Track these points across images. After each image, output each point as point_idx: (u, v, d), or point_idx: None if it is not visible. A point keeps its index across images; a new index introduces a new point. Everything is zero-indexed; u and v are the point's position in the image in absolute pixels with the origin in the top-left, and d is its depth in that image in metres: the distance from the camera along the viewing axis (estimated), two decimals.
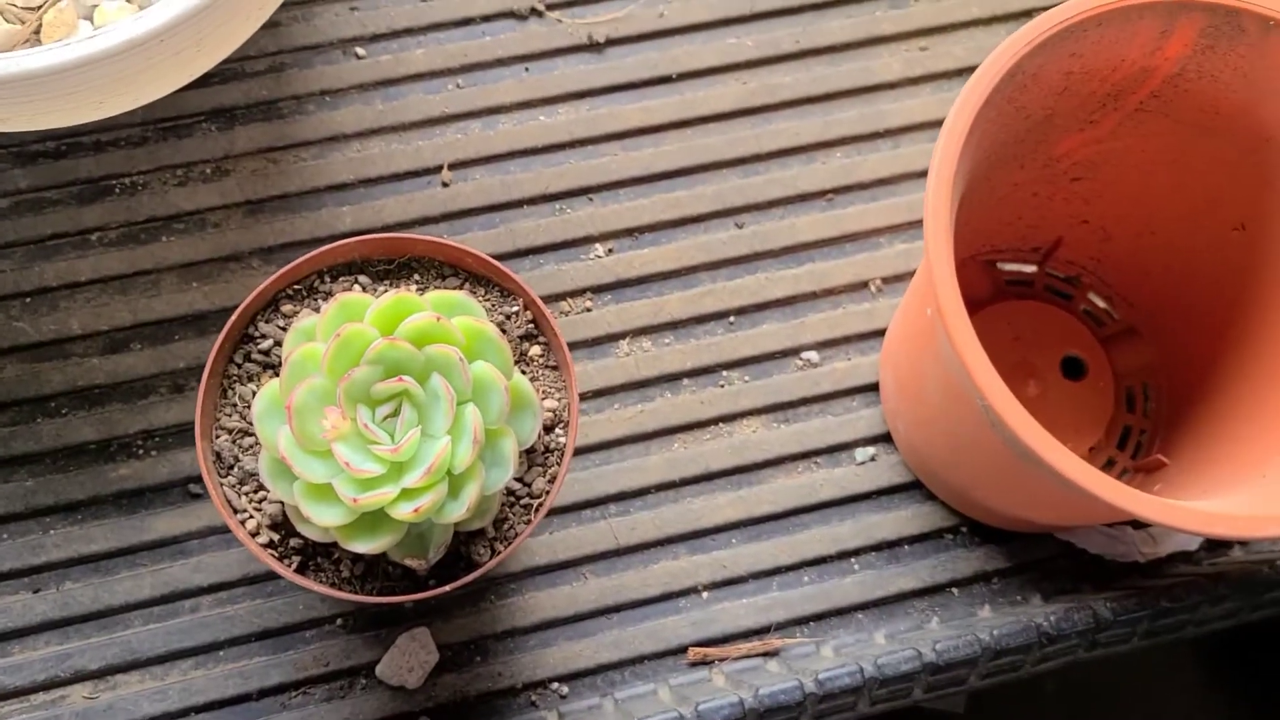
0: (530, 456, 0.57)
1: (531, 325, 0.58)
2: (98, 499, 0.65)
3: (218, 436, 0.56)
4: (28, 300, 0.67)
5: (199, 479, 0.65)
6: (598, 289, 0.70)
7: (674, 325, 0.69)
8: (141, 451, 0.66)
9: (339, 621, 0.64)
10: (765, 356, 0.70)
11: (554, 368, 0.58)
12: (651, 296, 0.70)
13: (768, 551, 0.66)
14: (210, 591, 0.64)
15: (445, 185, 0.71)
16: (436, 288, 0.58)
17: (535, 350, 0.58)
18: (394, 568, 0.55)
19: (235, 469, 0.56)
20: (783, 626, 0.65)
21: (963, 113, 0.50)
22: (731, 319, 0.70)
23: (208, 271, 0.68)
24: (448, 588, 0.54)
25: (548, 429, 0.57)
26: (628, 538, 0.66)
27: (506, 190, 0.71)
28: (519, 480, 0.56)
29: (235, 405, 0.56)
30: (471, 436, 0.51)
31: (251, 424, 0.55)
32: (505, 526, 0.56)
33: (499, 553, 0.55)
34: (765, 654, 0.65)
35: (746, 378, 0.69)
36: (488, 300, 0.58)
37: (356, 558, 0.55)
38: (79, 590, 0.64)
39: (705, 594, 0.65)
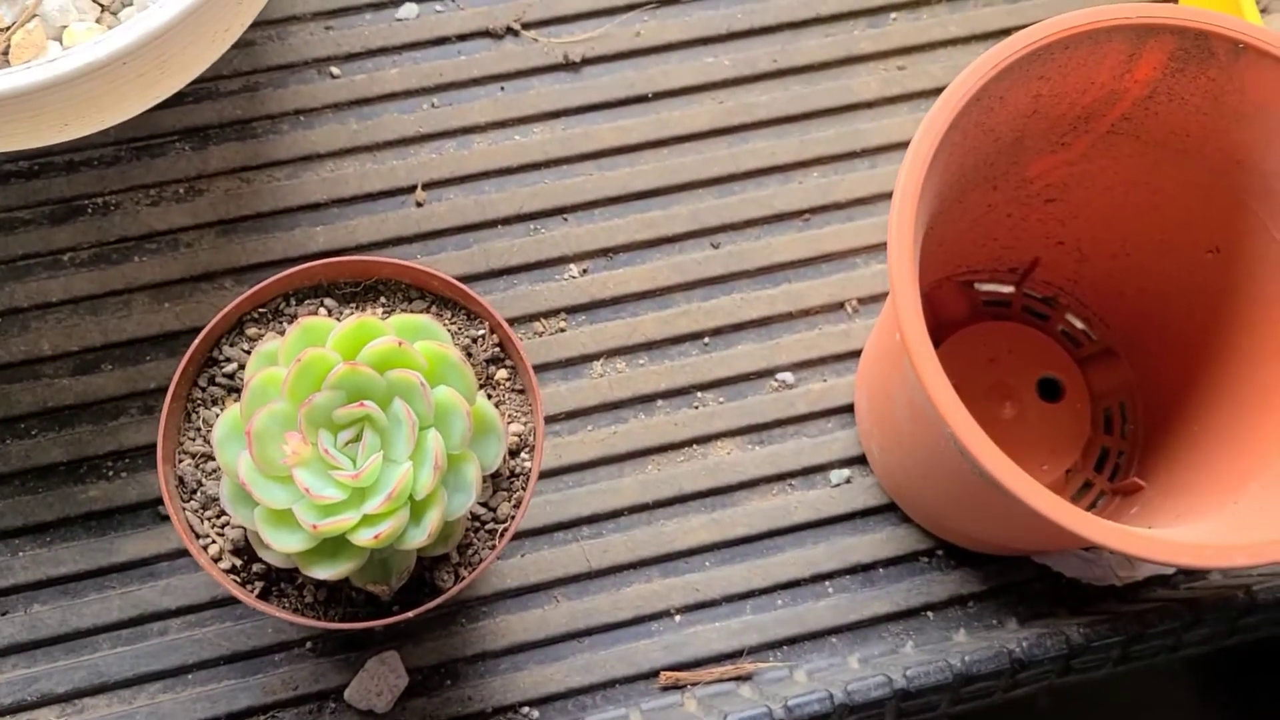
0: (495, 481, 0.56)
1: (498, 349, 0.58)
2: (67, 520, 0.65)
3: (181, 461, 0.56)
4: None
5: None
6: (572, 309, 0.69)
7: (648, 346, 0.69)
8: (111, 473, 0.65)
9: (308, 645, 0.63)
10: (740, 378, 0.69)
11: (520, 391, 0.58)
12: (626, 317, 0.69)
13: (741, 574, 0.66)
14: (179, 614, 0.64)
15: (419, 205, 0.70)
16: (403, 310, 0.58)
17: (502, 374, 0.58)
18: (357, 593, 0.55)
19: (198, 494, 0.55)
20: (756, 650, 0.65)
21: (926, 137, 0.50)
22: (706, 340, 0.69)
23: (180, 292, 0.68)
24: (410, 614, 0.54)
25: (513, 453, 0.56)
26: (600, 560, 0.66)
27: (481, 210, 0.71)
28: (484, 505, 0.56)
29: (199, 429, 0.56)
30: (433, 462, 0.51)
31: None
32: (470, 552, 0.56)
33: (463, 578, 0.55)
34: (738, 678, 0.64)
35: (721, 399, 0.69)
36: (454, 323, 0.58)
37: (319, 583, 0.55)
38: (47, 613, 0.63)
39: (678, 617, 0.65)
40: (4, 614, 0.63)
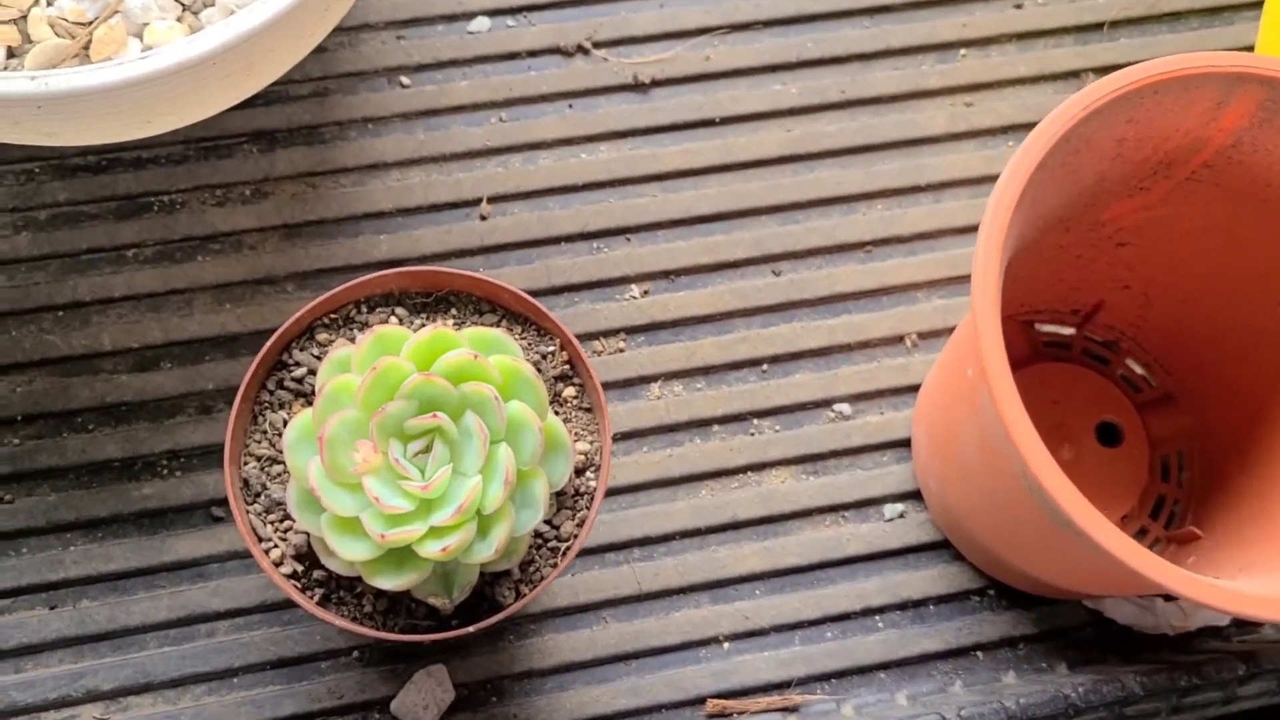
0: (560, 499, 0.56)
1: (567, 366, 0.58)
2: (119, 517, 0.64)
3: (246, 463, 0.56)
4: (60, 314, 0.67)
5: (222, 502, 0.65)
6: (631, 330, 0.69)
7: (706, 370, 0.69)
8: (166, 472, 0.65)
9: (355, 654, 0.63)
10: (797, 406, 0.69)
11: (588, 410, 0.57)
12: (685, 340, 0.69)
13: (791, 605, 0.65)
14: (227, 617, 0.63)
15: (483, 219, 0.70)
16: (473, 324, 0.58)
17: (569, 391, 0.58)
18: (417, 605, 0.55)
19: (262, 497, 0.55)
20: (804, 682, 0.64)
21: (1016, 174, 0.50)
22: (765, 367, 0.69)
23: (241, 294, 0.68)
24: (471, 629, 0.53)
25: (579, 472, 0.56)
26: (650, 583, 0.65)
27: (545, 227, 0.71)
28: (548, 523, 0.56)
29: (265, 432, 0.56)
30: (504, 477, 0.51)
31: (281, 452, 0.55)
32: (532, 569, 0.55)
33: (524, 595, 0.54)
34: (784, 709, 0.64)
35: (777, 427, 0.68)
36: (524, 339, 0.58)
37: (380, 593, 0.55)
38: (95, 609, 0.63)
39: (726, 645, 0.65)
40: (53, 608, 0.63)
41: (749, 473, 0.67)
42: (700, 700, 0.63)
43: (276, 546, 0.55)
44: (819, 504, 0.67)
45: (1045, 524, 0.54)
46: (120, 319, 0.67)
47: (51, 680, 0.62)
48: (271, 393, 0.56)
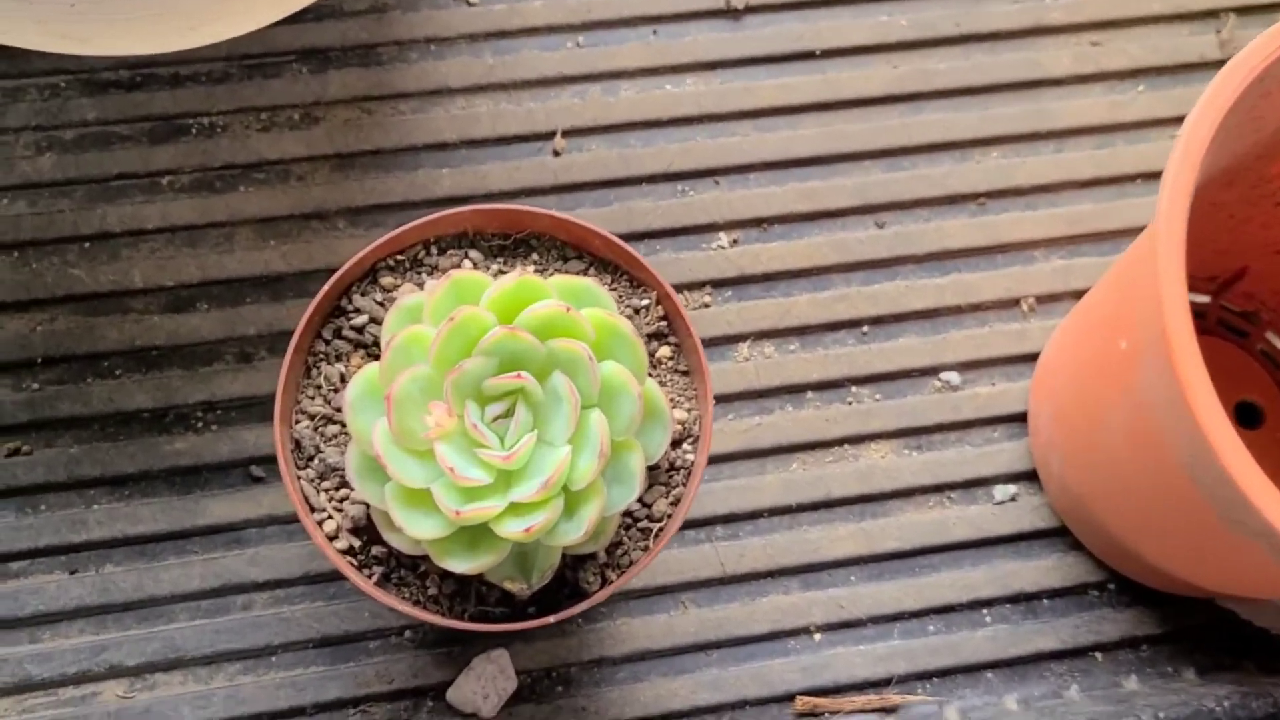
0: (653, 474, 0.49)
1: (663, 322, 0.51)
2: (148, 474, 0.58)
3: (298, 421, 0.49)
4: (86, 245, 0.60)
5: (263, 460, 0.59)
6: (718, 283, 0.62)
7: (801, 330, 0.62)
8: (201, 425, 0.59)
9: (407, 634, 0.57)
10: (900, 374, 0.62)
11: (684, 373, 0.51)
12: (778, 296, 0.63)
13: (890, 593, 0.59)
14: (267, 588, 0.57)
15: (557, 154, 0.63)
16: (557, 271, 0.51)
17: (664, 351, 0.51)
18: (489, 589, 0.48)
19: (316, 461, 0.48)
20: (903, 681, 0.58)
21: (1207, 115, 0.43)
22: (865, 329, 0.63)
23: (287, 229, 0.62)
24: (551, 619, 0.47)
25: (675, 443, 0.50)
26: (735, 565, 0.59)
27: (625, 165, 0.64)
28: (639, 500, 0.49)
29: (319, 387, 0.49)
30: (596, 448, 0.44)
31: (338, 411, 0.48)
32: (619, 552, 0.49)
33: (610, 581, 0.48)
34: (882, 710, 0.58)
35: (878, 396, 0.62)
36: (614, 290, 0.51)
37: (446, 574, 0.48)
38: (120, 575, 0.57)
39: (818, 636, 0.59)
40: (73, 572, 0.57)
41: (846, 445, 0.61)
42: (789, 697, 0.58)
43: (331, 518, 0.48)
44: (922, 483, 0.61)
45: (1206, 518, 0.47)
46: (153, 254, 0.61)
47: (71, 653, 0.56)
48: (328, 343, 0.50)
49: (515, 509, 0.44)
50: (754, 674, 0.58)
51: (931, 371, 0.62)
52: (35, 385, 0.59)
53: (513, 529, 0.44)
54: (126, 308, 0.60)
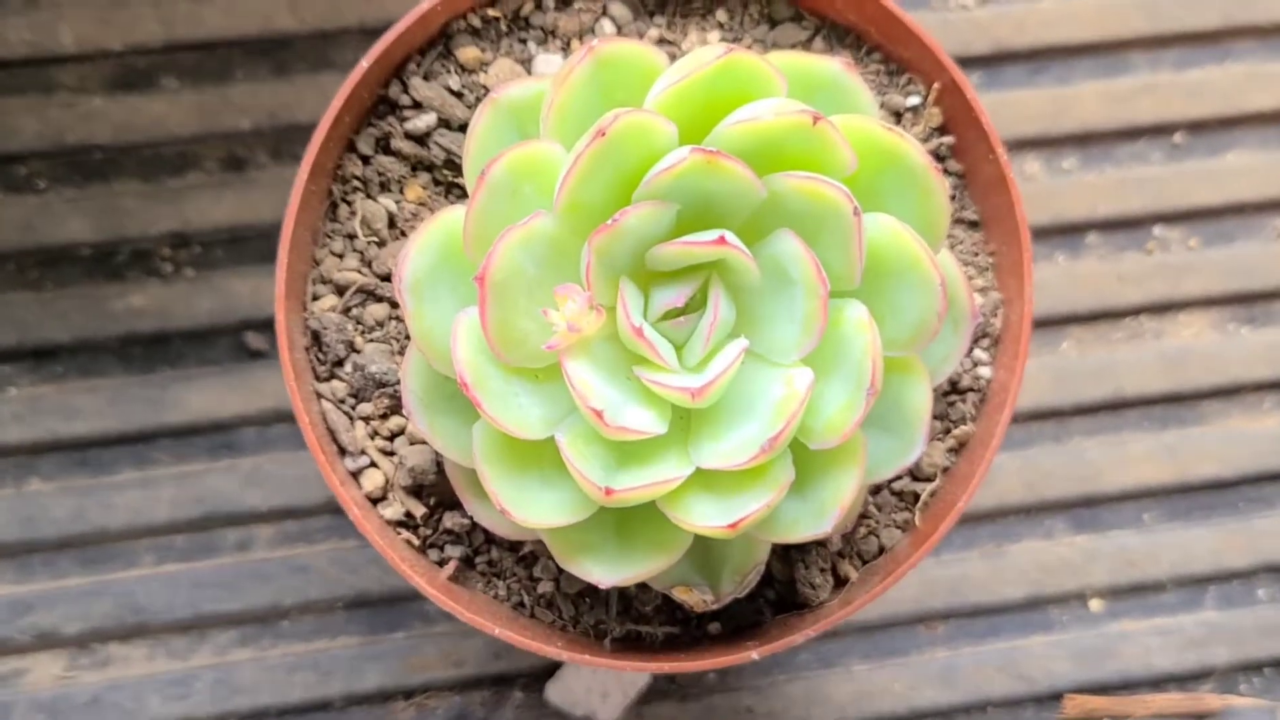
0: None
1: (942, 137, 0.30)
2: (90, 344, 0.44)
3: (317, 297, 0.31)
4: None
5: (263, 325, 0.44)
6: (963, 61, 0.45)
7: (1082, 139, 0.47)
8: (169, 269, 0.44)
9: None
10: (1229, 210, 0.46)
11: (971, 224, 0.31)
12: (1048, 84, 0.46)
13: (1204, 542, 0.45)
14: (272, 519, 0.44)
15: None
16: (760, 43, 0.30)
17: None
18: (642, 588, 0.31)
19: (347, 367, 0.30)
20: (1225, 674, 0.45)
21: None
22: (1178, 138, 0.47)
23: None
24: (753, 654, 0.30)
25: None
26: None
27: None
28: None
29: (353, 238, 0.32)
30: (858, 374, 0.27)
31: (386, 282, 0.30)
32: (860, 532, 0.30)
33: (846, 580, 0.31)
34: (1193, 716, 0.44)
35: (1193, 241, 0.46)
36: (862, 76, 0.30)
37: None
38: (52, 496, 0.43)
39: (1095, 605, 0.45)
40: None
41: (1144, 317, 0.46)
42: (1053, 696, 0.44)
43: (374, 466, 0.30)
44: (1257, 377, 0.46)
45: None
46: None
47: None
48: (368, 160, 0.34)
49: (708, 481, 0.28)
50: (1002, 658, 0.44)
51: (1276, 208, 0.47)
52: None
53: (706, 518, 0.27)
54: (52, 83, 0.44)
